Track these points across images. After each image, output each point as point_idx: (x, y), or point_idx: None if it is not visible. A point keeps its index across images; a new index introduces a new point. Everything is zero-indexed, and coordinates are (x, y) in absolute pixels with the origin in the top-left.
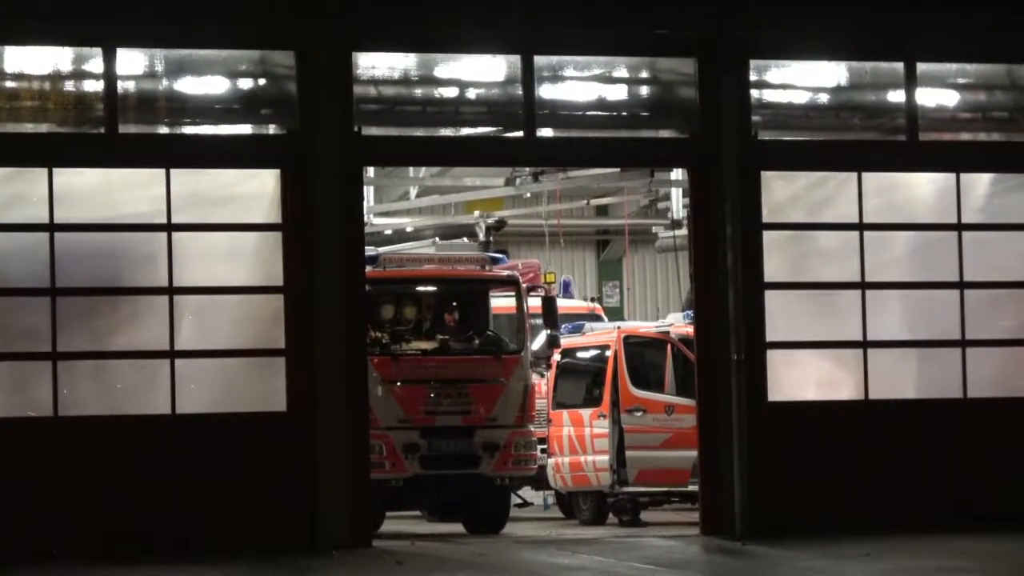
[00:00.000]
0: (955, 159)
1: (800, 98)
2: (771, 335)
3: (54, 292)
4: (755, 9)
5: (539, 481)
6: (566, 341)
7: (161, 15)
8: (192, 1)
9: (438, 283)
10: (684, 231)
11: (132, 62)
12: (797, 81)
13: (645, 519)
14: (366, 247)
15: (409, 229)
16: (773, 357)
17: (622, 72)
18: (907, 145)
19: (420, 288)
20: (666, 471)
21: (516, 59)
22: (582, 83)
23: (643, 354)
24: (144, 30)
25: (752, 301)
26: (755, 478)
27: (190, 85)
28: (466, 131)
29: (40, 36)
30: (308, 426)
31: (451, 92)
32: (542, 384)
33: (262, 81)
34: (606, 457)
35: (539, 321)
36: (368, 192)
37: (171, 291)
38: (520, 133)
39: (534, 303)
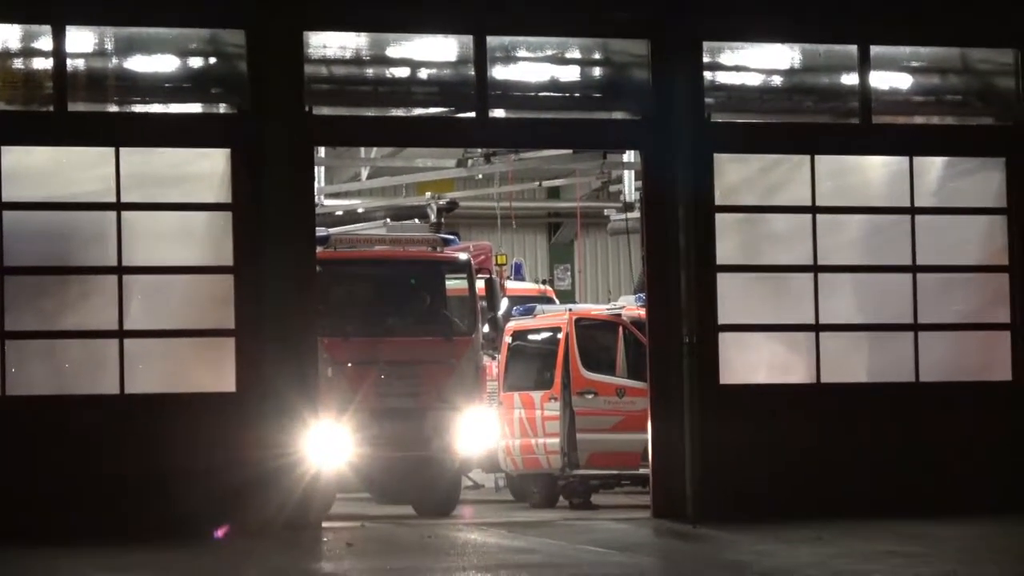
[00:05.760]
0: (908, 142)
1: (754, 80)
2: (723, 318)
3: (2, 271)
4: None
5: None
6: (518, 323)
7: None
8: None
9: (389, 264)
10: (636, 214)
11: (82, 40)
12: (751, 63)
13: (596, 502)
14: (317, 228)
15: (360, 210)
16: (725, 340)
17: (575, 53)
18: (860, 128)
19: (371, 269)
20: (617, 454)
21: (469, 39)
22: (535, 64)
23: (595, 337)
24: (94, 7)
25: (704, 284)
26: (706, 461)
27: (140, 63)
28: (418, 111)
29: None
30: (257, 407)
31: (403, 72)
32: (492, 366)
33: (212, 60)
34: (557, 440)
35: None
36: (319, 173)
37: (120, 271)
38: (472, 114)
39: (478, 285)
